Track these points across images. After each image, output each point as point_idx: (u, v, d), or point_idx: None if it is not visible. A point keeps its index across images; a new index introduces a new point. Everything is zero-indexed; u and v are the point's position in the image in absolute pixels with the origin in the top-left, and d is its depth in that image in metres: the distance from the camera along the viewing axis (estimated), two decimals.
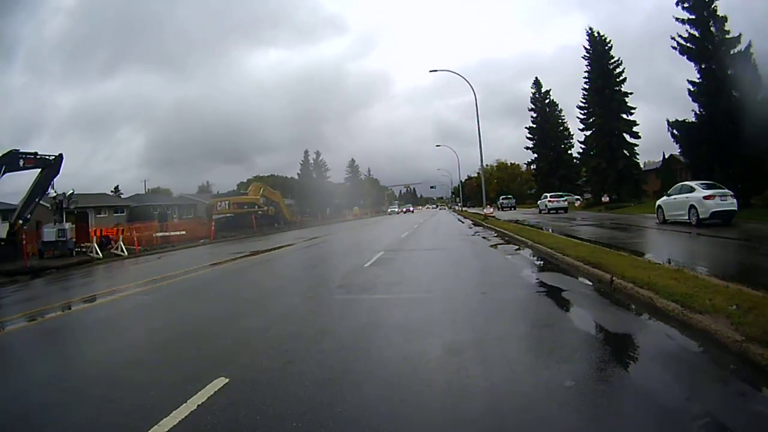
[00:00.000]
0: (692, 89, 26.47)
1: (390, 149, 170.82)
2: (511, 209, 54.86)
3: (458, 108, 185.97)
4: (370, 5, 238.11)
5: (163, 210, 55.17)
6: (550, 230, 17.69)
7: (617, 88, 43.42)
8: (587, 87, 51.93)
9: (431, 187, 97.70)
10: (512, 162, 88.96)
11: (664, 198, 18.09)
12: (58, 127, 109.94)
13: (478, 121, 28.64)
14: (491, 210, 26.67)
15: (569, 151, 60.44)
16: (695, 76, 26.12)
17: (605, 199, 36.51)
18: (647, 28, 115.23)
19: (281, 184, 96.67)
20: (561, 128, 61.12)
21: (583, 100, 53.98)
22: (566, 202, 35.08)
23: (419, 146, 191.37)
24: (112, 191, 74.79)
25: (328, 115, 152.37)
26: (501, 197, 57.79)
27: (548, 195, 35.43)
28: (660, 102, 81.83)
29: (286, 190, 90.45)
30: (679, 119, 24.95)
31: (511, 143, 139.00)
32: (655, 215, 18.61)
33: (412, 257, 12.55)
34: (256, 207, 37.69)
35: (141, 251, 22.04)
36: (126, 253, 20.85)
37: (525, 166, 63.98)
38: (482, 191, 27.41)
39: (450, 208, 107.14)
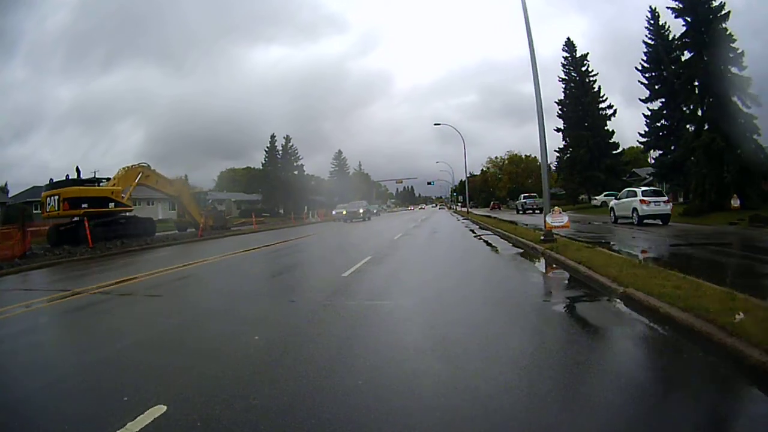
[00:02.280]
0: None
1: (388, 148, 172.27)
2: (536, 212, 38.95)
3: (458, 108, 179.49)
4: (371, 5, 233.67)
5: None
6: None
7: (722, 26, 27.58)
8: (658, 35, 36.47)
9: (428, 183, 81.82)
10: (527, 154, 72.94)
11: None
12: (57, 120, 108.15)
13: (528, 32, 11.90)
14: (565, 219, 10.55)
15: (612, 138, 44.59)
16: None
17: (736, 203, 20.79)
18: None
19: (256, 177, 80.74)
20: (602, 104, 45.28)
21: (645, 60, 38.72)
22: (670, 205, 19.14)
23: (418, 146, 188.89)
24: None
25: (328, 113, 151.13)
26: (522, 196, 41.81)
27: (639, 191, 19.47)
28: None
29: (256, 184, 74.61)
30: None
31: (511, 144, 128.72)
32: None
33: None
34: (112, 205, 21.66)
35: None
36: None
37: (556, 154, 47.77)
38: (542, 180, 11.20)
39: (450, 208, 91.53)
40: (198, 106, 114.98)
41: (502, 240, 13.73)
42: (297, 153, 64.75)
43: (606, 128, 44.24)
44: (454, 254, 11.11)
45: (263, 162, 65.10)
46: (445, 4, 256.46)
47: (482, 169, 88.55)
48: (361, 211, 38.41)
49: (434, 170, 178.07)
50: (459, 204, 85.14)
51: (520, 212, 40.56)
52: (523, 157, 72.41)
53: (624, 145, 49.03)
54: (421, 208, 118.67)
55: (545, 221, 10.52)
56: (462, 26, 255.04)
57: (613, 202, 21.18)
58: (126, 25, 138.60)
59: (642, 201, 18.74)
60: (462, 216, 39.21)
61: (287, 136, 65.15)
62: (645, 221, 18.81)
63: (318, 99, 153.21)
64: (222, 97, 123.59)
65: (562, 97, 48.12)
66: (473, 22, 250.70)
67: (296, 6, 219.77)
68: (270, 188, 62.25)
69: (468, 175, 52.78)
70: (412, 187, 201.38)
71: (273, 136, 64.57)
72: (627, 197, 20.03)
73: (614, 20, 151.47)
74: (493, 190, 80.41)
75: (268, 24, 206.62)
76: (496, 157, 79.75)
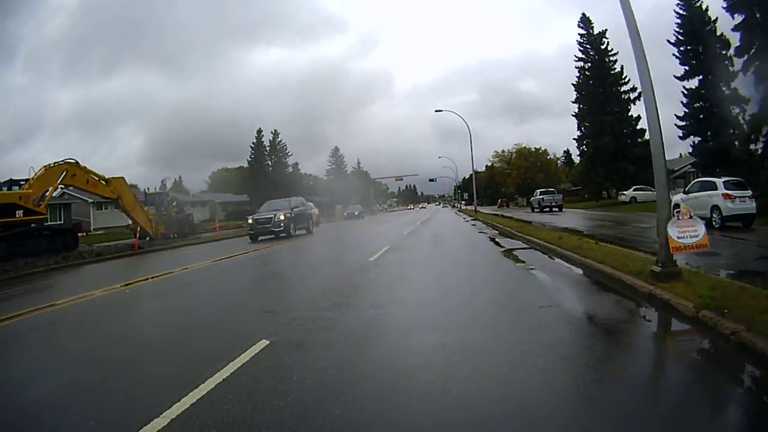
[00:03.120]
0: None
1: (390, 147, 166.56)
2: (555, 210, 33.76)
3: (458, 107, 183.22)
4: (371, 5, 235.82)
5: None
6: None
7: None
8: (689, 5, 31.98)
9: (430, 180, 76.36)
10: (537, 147, 67.36)
11: None
12: (58, 125, 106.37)
13: None
14: (701, 232, 5.30)
15: (639, 125, 39.21)
16: None
17: None
18: (647, 26, 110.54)
19: (247, 176, 75.39)
20: (624, 87, 39.96)
21: (679, 32, 33.94)
22: (755, 202, 13.97)
23: (420, 144, 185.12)
24: None
25: (329, 114, 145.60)
26: (538, 192, 36.47)
27: (719, 182, 14.05)
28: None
29: (244, 185, 69.23)
30: None
31: (511, 142, 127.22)
32: None
33: None
34: (20, 213, 16.63)
35: None
36: None
37: (575, 143, 42.53)
38: (654, 166, 5.89)
39: (453, 206, 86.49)
40: (199, 109, 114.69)
41: (553, 260, 8.51)
42: (286, 149, 59.61)
43: (630, 114, 39.03)
44: (482, 308, 5.33)
45: (249, 159, 59.87)
46: (444, 3, 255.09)
47: (486, 165, 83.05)
48: (281, 217, 19.63)
49: (437, 169, 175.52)
50: (463, 202, 79.91)
51: (536, 210, 35.35)
52: (533, 150, 66.87)
53: None
54: (422, 207, 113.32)
55: (665, 234, 5.32)
56: (462, 25, 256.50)
57: (678, 198, 15.88)
58: (125, 29, 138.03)
59: (726, 196, 13.54)
60: (469, 216, 34.01)
61: (275, 130, 59.98)
62: (727, 223, 13.74)
63: (319, 100, 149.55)
64: (223, 99, 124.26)
65: (578, 80, 43.13)
66: (473, 20, 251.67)
67: (295, 8, 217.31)
68: (257, 188, 57.05)
69: (474, 171, 47.53)
70: (414, 185, 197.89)
71: (260, 131, 59.41)
72: (700, 191, 14.80)
73: (613, 15, 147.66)
74: (499, 187, 74.99)
75: (268, 26, 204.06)
76: (503, 151, 73.73)
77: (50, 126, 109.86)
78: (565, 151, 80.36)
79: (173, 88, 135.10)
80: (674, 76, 33.90)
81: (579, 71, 42.40)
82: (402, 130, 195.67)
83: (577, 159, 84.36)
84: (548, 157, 67.00)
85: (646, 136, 38.96)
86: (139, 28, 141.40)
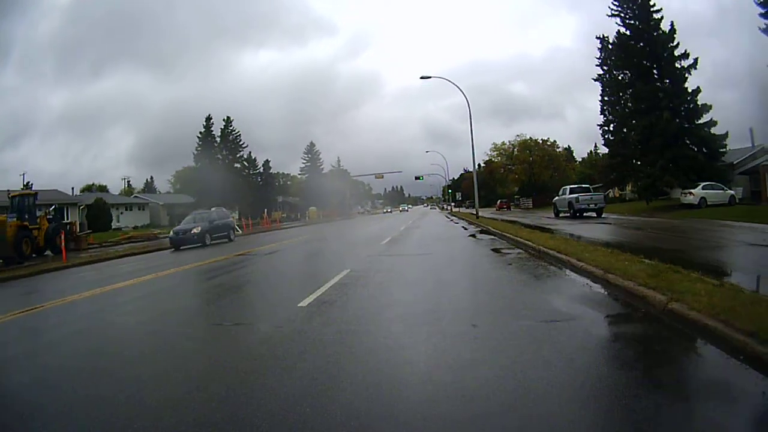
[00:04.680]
0: None
1: (379, 149, 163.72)
2: (592, 215, 23.42)
3: (449, 109, 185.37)
4: (360, 7, 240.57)
5: None
6: None
7: None
8: None
9: (416, 178, 65.53)
10: (544, 139, 56.81)
11: None
12: (49, 126, 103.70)
13: None
14: None
15: (697, 99, 28.86)
16: None
17: None
18: None
19: (196, 174, 63.77)
20: (676, 52, 29.72)
21: None
22: None
23: (409, 146, 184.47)
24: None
25: (319, 116, 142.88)
26: (568, 189, 25.91)
27: None
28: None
29: (196, 182, 57.60)
30: None
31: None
32: None
33: None
34: None
35: None
36: None
37: (600, 130, 32.50)
38: None
39: (443, 209, 76.45)
40: (189, 111, 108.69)
41: None
42: (240, 140, 48.45)
43: (685, 86, 28.79)
44: None
45: (194, 153, 48.61)
46: (434, 6, 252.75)
47: (480, 163, 72.22)
48: None
49: (426, 166, 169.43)
50: (453, 204, 69.61)
51: (563, 214, 25.08)
52: (539, 141, 56.33)
53: None
54: (404, 209, 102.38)
55: None
56: (452, 28, 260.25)
57: None
58: (117, 30, 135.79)
59: None
60: (471, 224, 23.15)
61: (227, 117, 48.78)
62: None
63: (308, 102, 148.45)
64: (214, 101, 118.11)
65: (602, 45, 33.16)
66: (463, 23, 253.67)
67: (285, 10, 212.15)
68: (203, 186, 45.96)
69: (464, 171, 37.08)
70: (401, 186, 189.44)
71: (209, 119, 48.13)
72: None
73: (604, 16, 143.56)
74: (496, 186, 64.81)
75: (258, 28, 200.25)
76: (503, 143, 62.07)
77: (42, 126, 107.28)
78: (566, 148, 71.00)
79: (162, 89, 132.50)
80: (759, 28, 24.12)
81: (601, 42, 32.24)
82: (392, 132, 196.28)
83: (583, 153, 75.51)
84: (558, 150, 56.76)
85: (709, 115, 28.83)
86: (128, 30, 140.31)
